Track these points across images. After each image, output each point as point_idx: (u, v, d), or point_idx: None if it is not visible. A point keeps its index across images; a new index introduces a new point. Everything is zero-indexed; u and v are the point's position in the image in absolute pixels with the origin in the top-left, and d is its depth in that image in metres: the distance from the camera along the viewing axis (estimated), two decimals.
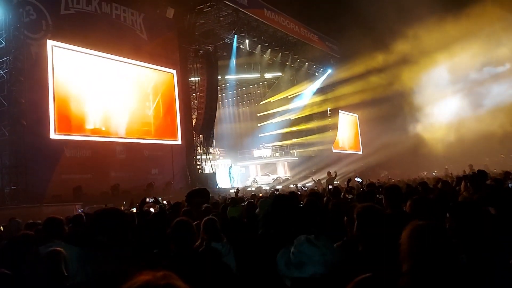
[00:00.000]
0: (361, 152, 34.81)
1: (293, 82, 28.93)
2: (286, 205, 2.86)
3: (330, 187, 10.95)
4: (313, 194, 5.13)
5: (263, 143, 29.39)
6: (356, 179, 11.18)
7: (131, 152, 16.66)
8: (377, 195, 5.08)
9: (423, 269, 1.64)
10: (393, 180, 17.00)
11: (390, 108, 30.52)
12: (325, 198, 6.15)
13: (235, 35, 21.64)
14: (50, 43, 14.35)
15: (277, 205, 2.92)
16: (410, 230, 1.76)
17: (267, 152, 29.13)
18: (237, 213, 5.53)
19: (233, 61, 23.07)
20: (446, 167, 21.10)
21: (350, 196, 6.07)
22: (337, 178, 17.74)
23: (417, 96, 28.60)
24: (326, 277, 1.71)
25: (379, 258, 2.23)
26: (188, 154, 19.88)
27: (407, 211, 3.21)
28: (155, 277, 1.08)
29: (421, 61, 26.12)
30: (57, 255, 2.94)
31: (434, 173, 18.47)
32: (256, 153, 29.01)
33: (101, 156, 15.40)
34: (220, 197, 11.80)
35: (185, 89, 20.48)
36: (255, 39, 23.18)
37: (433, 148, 28.05)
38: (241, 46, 23.06)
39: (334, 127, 31.31)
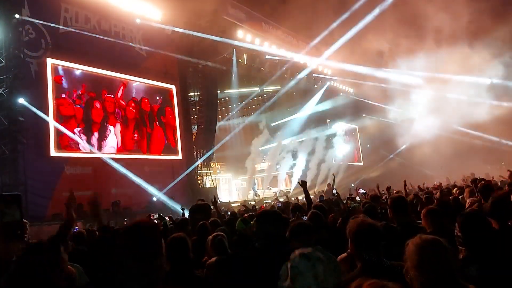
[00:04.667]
0: (361, 164, 34.71)
1: (293, 95, 28.99)
2: (271, 220, 2.79)
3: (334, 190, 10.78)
4: (317, 207, 5.04)
5: (264, 156, 29.27)
6: (359, 190, 11.08)
7: (132, 169, 16.58)
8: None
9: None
10: (394, 191, 16.91)
11: (388, 118, 30.59)
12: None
13: (234, 49, 21.76)
14: (49, 61, 14.41)
15: (262, 220, 2.85)
16: (418, 245, 1.73)
17: (268, 165, 28.99)
18: (247, 226, 5.38)
19: (234, 75, 23.15)
20: (448, 176, 21.01)
21: (355, 204, 6.01)
22: (338, 189, 17.59)
23: (413, 106, 28.60)
24: None
25: (379, 274, 2.18)
26: (188, 169, 19.82)
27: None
28: None
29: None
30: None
31: (436, 182, 18.31)
32: (258, 166, 28.88)
33: (101, 173, 15.33)
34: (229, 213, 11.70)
35: (185, 104, 20.52)
36: (254, 53, 23.32)
37: (431, 158, 28.02)
38: (240, 60, 23.17)
39: (334, 138, 31.31)
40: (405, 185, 8.33)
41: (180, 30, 19.07)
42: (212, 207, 6.69)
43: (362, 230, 2.35)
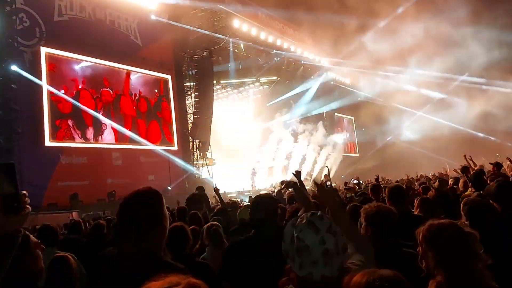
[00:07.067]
0: (357, 155, 34.83)
1: (289, 85, 28.89)
2: (266, 206, 2.75)
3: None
4: (315, 198, 5.03)
5: (261, 147, 29.25)
6: (353, 181, 11.10)
7: (127, 159, 16.55)
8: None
9: (464, 275, 1.59)
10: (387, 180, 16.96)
11: (383, 110, 30.68)
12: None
13: (231, 39, 21.61)
14: (43, 50, 14.26)
15: (256, 206, 2.79)
16: (437, 232, 1.69)
17: (265, 156, 28.97)
18: (248, 215, 5.38)
19: (231, 65, 23.04)
20: (443, 167, 21.15)
21: (350, 194, 6.06)
22: (334, 179, 17.66)
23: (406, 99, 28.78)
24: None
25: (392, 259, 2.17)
26: (184, 159, 19.78)
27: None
28: (180, 285, 1.00)
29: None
30: (63, 261, 2.84)
31: (431, 174, 18.42)
32: (254, 157, 28.86)
33: (97, 162, 15.29)
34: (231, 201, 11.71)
35: (180, 94, 20.42)
36: (250, 43, 23.16)
37: (426, 149, 28.28)
38: (236, 50, 23.02)
39: (330, 129, 31.35)
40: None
41: (176, 19, 18.91)
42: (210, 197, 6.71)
43: (380, 212, 2.35)
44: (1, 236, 1.38)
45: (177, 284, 1.00)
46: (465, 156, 8.65)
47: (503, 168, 7.47)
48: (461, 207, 2.53)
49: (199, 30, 19.81)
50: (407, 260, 2.13)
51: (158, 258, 1.79)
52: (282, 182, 8.33)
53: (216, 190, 7.27)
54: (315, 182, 2.07)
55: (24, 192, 1.49)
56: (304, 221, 1.55)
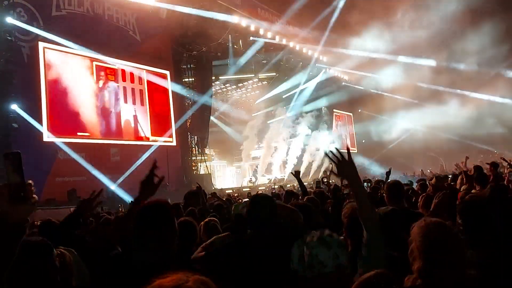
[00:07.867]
0: (356, 150, 34.83)
1: (288, 82, 28.85)
2: (263, 205, 2.72)
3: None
4: (316, 193, 5.03)
5: (259, 143, 29.27)
6: None
7: (125, 154, 16.52)
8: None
9: (437, 268, 1.60)
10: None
11: (382, 106, 30.70)
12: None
13: (229, 35, 21.54)
14: (41, 44, 14.20)
15: (254, 205, 2.76)
16: (423, 227, 1.71)
17: (263, 152, 29.01)
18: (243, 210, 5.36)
19: (229, 61, 23.00)
20: (441, 163, 21.30)
21: (348, 191, 6.06)
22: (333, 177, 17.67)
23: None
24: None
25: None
26: (183, 155, 19.77)
27: None
28: (189, 282, 1.01)
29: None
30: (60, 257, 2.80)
31: (429, 170, 18.50)
32: (252, 153, 28.90)
33: (95, 158, 15.24)
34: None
35: (179, 89, 20.38)
36: (249, 39, 23.11)
37: (425, 146, 28.35)
38: (235, 46, 22.96)
39: (329, 125, 31.35)
40: None
41: (174, 14, 18.79)
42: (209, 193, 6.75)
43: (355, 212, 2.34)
44: (8, 225, 1.38)
45: (186, 281, 1.01)
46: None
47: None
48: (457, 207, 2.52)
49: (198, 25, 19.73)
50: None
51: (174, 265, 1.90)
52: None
53: (199, 188, 7.33)
54: (337, 150, 2.09)
55: (30, 181, 1.48)
56: (315, 239, 1.67)
